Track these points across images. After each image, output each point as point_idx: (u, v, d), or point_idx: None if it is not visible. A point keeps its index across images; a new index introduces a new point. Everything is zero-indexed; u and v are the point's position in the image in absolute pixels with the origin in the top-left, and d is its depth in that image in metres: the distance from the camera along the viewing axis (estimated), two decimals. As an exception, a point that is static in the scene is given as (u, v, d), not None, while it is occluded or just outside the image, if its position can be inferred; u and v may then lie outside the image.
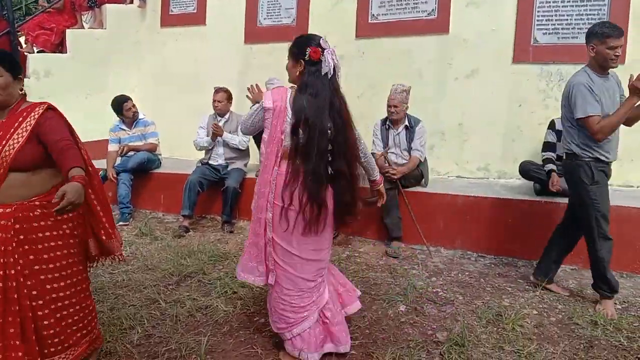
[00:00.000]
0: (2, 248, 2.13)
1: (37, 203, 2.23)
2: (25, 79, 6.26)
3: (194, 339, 2.96)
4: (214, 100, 5.39)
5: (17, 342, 2.14)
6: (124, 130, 5.83)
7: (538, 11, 5.10)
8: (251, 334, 3.06)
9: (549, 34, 5.07)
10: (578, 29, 4.94)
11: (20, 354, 2.14)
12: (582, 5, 4.94)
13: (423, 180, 4.84)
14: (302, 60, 2.44)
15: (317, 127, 2.39)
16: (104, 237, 2.51)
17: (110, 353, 2.80)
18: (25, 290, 2.17)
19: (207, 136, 5.41)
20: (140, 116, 5.93)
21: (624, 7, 4.79)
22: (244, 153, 5.51)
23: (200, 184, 5.24)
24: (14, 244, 2.15)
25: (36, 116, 2.24)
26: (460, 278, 3.98)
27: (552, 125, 4.54)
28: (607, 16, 4.82)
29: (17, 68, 2.31)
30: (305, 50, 2.43)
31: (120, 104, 5.70)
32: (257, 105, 2.58)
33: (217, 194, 5.39)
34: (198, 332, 3.05)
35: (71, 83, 6.53)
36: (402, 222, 4.62)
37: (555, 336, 3.05)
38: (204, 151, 5.56)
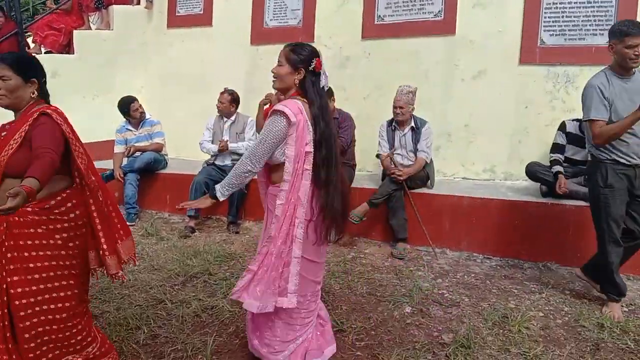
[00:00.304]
0: None
1: (29, 209, 2.13)
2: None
3: (200, 339, 2.97)
4: (218, 101, 5.41)
5: (2, 347, 2.09)
6: (131, 130, 5.86)
7: (545, 12, 5.09)
8: (257, 335, 3.06)
9: (556, 35, 5.06)
10: (585, 30, 4.93)
11: (5, 357, 2.09)
12: (589, 7, 4.92)
13: (429, 181, 4.83)
14: (302, 69, 2.41)
15: (333, 138, 2.47)
16: (101, 253, 2.38)
17: (117, 353, 2.81)
18: (5, 298, 2.10)
19: (213, 141, 5.43)
20: (147, 116, 5.95)
21: (631, 9, 4.77)
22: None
23: (206, 185, 5.25)
24: (3, 249, 2.10)
25: (30, 121, 2.18)
26: (466, 280, 3.97)
27: (562, 127, 4.52)
28: (614, 18, 4.81)
29: (28, 71, 2.27)
30: (311, 60, 2.41)
31: (127, 105, 5.72)
32: (275, 125, 2.34)
33: (223, 194, 5.39)
34: (204, 333, 3.06)
35: (78, 84, 6.56)
36: (407, 223, 4.62)
37: (562, 339, 3.04)
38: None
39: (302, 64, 2.41)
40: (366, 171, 5.79)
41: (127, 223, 5.21)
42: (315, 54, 2.44)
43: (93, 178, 2.33)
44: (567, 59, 5.02)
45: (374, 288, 3.78)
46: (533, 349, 2.87)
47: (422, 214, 4.59)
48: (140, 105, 5.83)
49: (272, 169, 2.49)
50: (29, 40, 7.40)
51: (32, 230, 2.15)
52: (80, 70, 6.63)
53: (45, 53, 7.10)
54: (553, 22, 5.06)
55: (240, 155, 5.39)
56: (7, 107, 2.26)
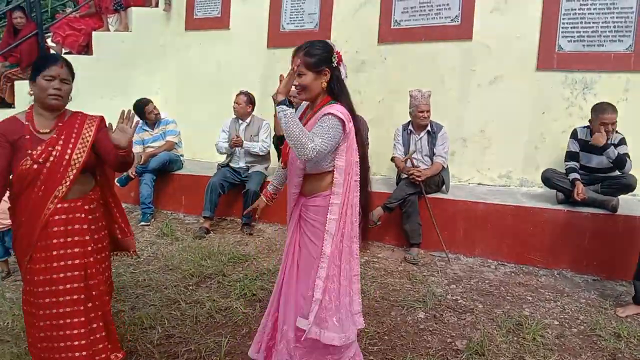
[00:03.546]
0: (81, 239, 2.34)
1: (93, 196, 2.45)
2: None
3: (213, 340, 2.99)
4: (235, 102, 5.43)
5: (101, 324, 2.38)
6: (147, 131, 5.92)
7: (563, 18, 5.05)
8: (270, 337, 3.07)
9: (574, 41, 5.02)
10: (604, 37, 4.88)
11: (104, 334, 2.38)
12: (608, 13, 4.87)
13: (444, 186, 4.81)
14: (327, 69, 2.23)
15: (361, 136, 2.37)
16: (119, 235, 2.69)
17: (131, 352, 2.84)
18: (101, 287, 2.42)
19: (228, 141, 5.45)
20: (163, 116, 6.00)
21: (652, 15, 4.73)
22: (264, 156, 5.55)
23: (221, 186, 5.29)
24: (89, 234, 2.37)
25: (94, 126, 2.42)
26: (480, 286, 3.95)
27: (574, 135, 4.48)
28: (634, 24, 4.76)
29: (74, 76, 2.48)
30: (331, 55, 2.23)
31: (142, 108, 5.78)
32: (336, 130, 2.16)
33: (238, 196, 5.43)
34: (217, 334, 3.08)
35: (96, 85, 6.62)
36: (421, 228, 4.60)
37: (577, 347, 3.01)
38: (224, 154, 5.61)
39: (324, 64, 2.22)
40: (380, 175, 5.78)
41: (143, 223, 5.35)
42: (331, 47, 2.25)
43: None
44: (585, 65, 4.98)
45: (387, 292, 3.77)
46: (548, 358, 2.85)
47: (436, 219, 4.57)
48: (155, 107, 5.88)
49: (310, 179, 2.32)
50: (49, 40, 7.50)
51: (97, 214, 2.47)
52: (98, 71, 6.69)
53: (65, 53, 7.20)
54: (571, 28, 5.02)
55: (254, 155, 5.43)
56: (57, 107, 2.37)
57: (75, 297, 2.28)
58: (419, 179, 4.51)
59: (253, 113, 5.57)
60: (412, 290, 3.82)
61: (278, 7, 6.50)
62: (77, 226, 2.33)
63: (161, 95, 7.14)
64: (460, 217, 4.62)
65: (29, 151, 2.26)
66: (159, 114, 5.92)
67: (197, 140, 6.75)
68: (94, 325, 2.34)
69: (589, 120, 4.29)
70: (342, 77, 2.31)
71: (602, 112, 4.12)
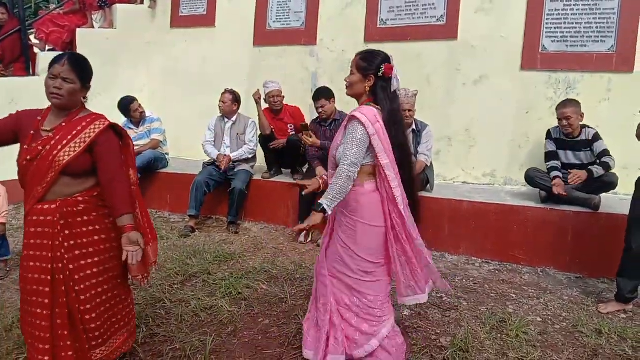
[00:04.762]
0: (50, 243, 2.25)
1: (80, 199, 2.33)
2: (35, 77, 6.33)
3: (198, 339, 2.98)
4: (220, 101, 5.41)
5: (66, 332, 2.26)
6: (132, 129, 5.87)
7: (547, 19, 5.10)
8: (255, 335, 3.07)
9: (558, 41, 5.07)
10: (587, 37, 4.94)
11: (68, 343, 2.26)
12: (591, 14, 4.94)
13: (428, 185, 4.84)
14: (372, 75, 2.48)
15: (407, 141, 2.60)
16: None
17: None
18: (71, 284, 2.29)
19: (214, 142, 5.46)
20: (148, 114, 5.96)
21: (634, 16, 4.79)
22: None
23: (207, 185, 5.27)
24: (60, 239, 2.27)
25: (96, 130, 2.33)
26: (465, 284, 3.98)
27: (549, 135, 4.60)
28: (616, 25, 4.82)
29: (88, 77, 2.41)
30: (380, 66, 2.47)
31: (127, 106, 5.74)
32: (357, 131, 2.41)
33: (224, 195, 5.41)
34: (203, 332, 3.07)
35: (80, 82, 6.56)
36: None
37: (560, 344, 3.05)
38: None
39: (371, 71, 2.48)
40: (366, 174, 5.79)
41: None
42: (384, 59, 2.49)
43: (134, 188, 2.51)
44: (568, 65, 5.04)
45: (373, 290, 3.78)
46: (531, 354, 2.87)
47: (421, 218, 4.59)
48: (140, 105, 5.84)
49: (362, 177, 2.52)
50: (32, 37, 7.42)
51: (85, 217, 2.34)
52: (82, 69, 6.62)
53: (48, 50, 7.12)
54: (555, 28, 5.07)
55: (240, 161, 5.42)
56: (59, 106, 2.34)
57: (39, 299, 2.24)
58: None
59: (239, 111, 5.56)
60: (398, 288, 3.84)
61: (264, 5, 6.49)
62: (47, 229, 2.25)
63: (146, 92, 7.09)
64: (445, 215, 4.65)
65: (25, 146, 2.28)
66: (143, 112, 5.88)
67: (183, 139, 6.72)
68: (59, 332, 2.25)
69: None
70: (392, 89, 2.52)
71: (557, 109, 4.43)
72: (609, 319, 3.35)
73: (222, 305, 3.40)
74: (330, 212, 2.40)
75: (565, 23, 5.04)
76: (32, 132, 2.31)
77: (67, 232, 2.28)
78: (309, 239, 4.88)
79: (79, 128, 2.31)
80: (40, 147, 2.26)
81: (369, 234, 2.52)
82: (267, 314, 3.33)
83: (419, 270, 2.59)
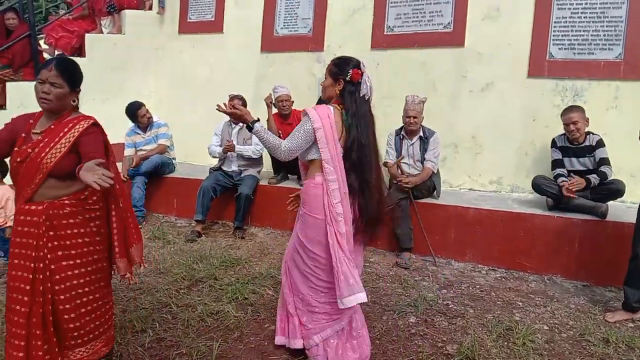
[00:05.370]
0: (34, 243, 2.31)
1: (66, 202, 2.36)
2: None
3: (204, 344, 2.98)
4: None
5: (38, 332, 2.29)
6: (139, 134, 5.91)
7: (554, 26, 5.10)
8: (262, 341, 3.08)
9: (565, 49, 5.07)
10: (595, 45, 4.94)
11: (39, 343, 2.29)
12: (598, 22, 4.94)
13: (435, 191, 4.84)
14: (341, 80, 2.63)
15: (369, 144, 2.66)
16: (113, 255, 2.58)
17: (122, 356, 2.83)
18: (49, 284, 2.32)
19: (221, 145, 5.45)
20: (155, 119, 5.99)
21: (641, 24, 4.79)
22: (257, 160, 5.55)
23: (213, 190, 5.29)
24: (44, 240, 2.31)
25: (80, 129, 2.37)
26: (471, 291, 3.97)
27: (554, 144, 4.61)
28: (624, 33, 4.82)
29: (77, 80, 2.46)
30: (347, 70, 2.61)
31: (134, 111, 5.77)
32: (304, 124, 2.60)
33: (230, 200, 5.43)
34: (209, 337, 3.07)
35: (88, 87, 6.47)
36: (413, 233, 4.62)
37: (567, 352, 3.03)
38: (217, 158, 5.61)
39: (341, 76, 2.64)
40: (372, 180, 5.80)
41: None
42: (355, 65, 2.63)
43: (118, 186, 2.52)
44: (575, 73, 5.03)
45: (379, 297, 3.78)
46: (537, 362, 2.87)
47: (427, 224, 4.60)
48: (148, 111, 5.87)
49: (305, 166, 2.77)
50: (41, 42, 7.47)
51: (71, 220, 2.37)
52: (91, 74, 6.55)
53: (57, 55, 7.17)
54: (562, 36, 5.08)
55: (246, 159, 5.43)
56: (49, 110, 2.39)
57: (19, 296, 2.30)
58: (407, 187, 4.54)
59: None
60: (404, 295, 3.84)
61: (272, 11, 6.53)
62: (32, 229, 2.30)
63: (154, 98, 7.13)
64: (451, 222, 4.65)
65: (16, 148, 2.36)
66: (151, 117, 5.91)
67: (190, 144, 6.75)
68: (33, 331, 2.29)
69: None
70: (361, 93, 2.65)
71: (563, 114, 4.47)
72: (617, 328, 3.34)
73: (228, 311, 3.41)
74: (253, 130, 2.65)
75: (572, 31, 5.04)
76: (23, 135, 2.39)
77: (51, 233, 2.33)
78: None
79: (65, 130, 2.36)
80: (29, 150, 2.33)
81: (314, 226, 2.63)
82: (274, 319, 3.31)
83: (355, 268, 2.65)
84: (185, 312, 3.38)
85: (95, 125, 2.46)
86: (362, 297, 2.55)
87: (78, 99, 2.49)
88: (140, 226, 5.25)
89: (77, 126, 2.38)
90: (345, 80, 2.63)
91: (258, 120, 2.72)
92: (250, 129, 2.68)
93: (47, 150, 2.31)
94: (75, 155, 2.34)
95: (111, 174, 2.03)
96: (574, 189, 4.19)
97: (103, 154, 2.42)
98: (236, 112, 2.74)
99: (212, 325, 3.25)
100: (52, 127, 2.37)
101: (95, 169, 2.06)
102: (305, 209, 2.67)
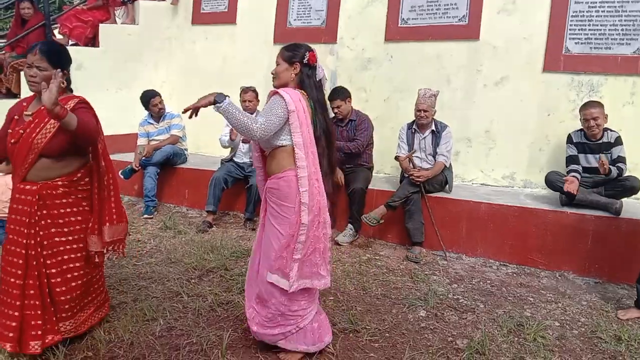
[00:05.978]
0: (27, 220, 2.47)
1: (59, 183, 2.52)
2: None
3: (215, 334, 2.99)
4: (244, 100, 5.39)
5: (37, 302, 2.48)
6: (152, 124, 5.93)
7: (571, 20, 5.03)
8: (271, 332, 3.08)
9: (582, 43, 5.01)
10: (612, 39, 4.87)
11: (39, 312, 2.47)
12: (616, 16, 4.86)
13: (447, 186, 4.82)
14: (297, 63, 2.59)
15: (330, 127, 2.70)
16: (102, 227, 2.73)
17: (133, 344, 2.85)
18: (42, 260, 2.50)
19: (231, 137, 5.46)
20: (167, 110, 6.01)
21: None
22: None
23: (225, 181, 5.30)
24: (36, 217, 2.47)
25: (68, 108, 2.39)
26: (482, 286, 3.95)
27: (569, 140, 4.56)
28: (642, 27, 4.75)
29: (62, 62, 2.54)
30: (303, 53, 2.59)
31: (148, 99, 5.78)
32: (277, 103, 2.47)
33: (241, 191, 5.44)
34: (219, 327, 3.09)
35: (102, 77, 6.65)
36: (424, 227, 4.61)
37: (578, 349, 3.01)
38: (228, 149, 5.62)
39: (296, 59, 2.59)
40: (384, 173, 5.79)
41: (146, 215, 5.35)
42: (308, 48, 2.62)
43: (103, 163, 2.65)
44: (592, 68, 4.97)
45: (389, 290, 3.78)
46: (548, 359, 2.85)
47: (439, 218, 4.58)
48: (161, 102, 5.88)
49: (269, 158, 2.62)
50: (56, 31, 7.51)
51: (64, 200, 2.54)
52: (104, 64, 6.71)
53: (71, 45, 7.20)
54: (579, 30, 5.00)
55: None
56: (37, 92, 2.51)
57: (13, 270, 2.46)
58: (419, 180, 4.52)
59: (257, 108, 5.58)
60: (414, 289, 3.83)
61: (285, 3, 6.51)
62: (26, 207, 2.46)
63: (166, 88, 7.15)
64: (463, 216, 4.62)
65: (10, 130, 2.49)
66: (163, 108, 5.92)
67: (202, 135, 6.76)
68: (31, 302, 2.45)
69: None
70: (317, 77, 2.64)
71: (583, 109, 4.41)
72: (629, 326, 3.30)
73: (238, 301, 3.42)
74: (221, 107, 2.41)
75: (589, 25, 4.97)
76: (16, 117, 2.52)
77: (44, 211, 2.48)
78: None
79: None
80: (21, 131, 2.45)
81: (286, 213, 2.55)
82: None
83: (323, 256, 2.63)
84: (196, 302, 3.40)
85: (83, 102, 2.55)
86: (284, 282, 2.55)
87: (67, 81, 2.60)
88: (151, 216, 5.38)
89: (66, 105, 2.40)
90: (302, 64, 2.59)
91: (228, 96, 2.45)
92: (217, 105, 2.42)
93: (37, 130, 2.42)
94: (66, 135, 2.41)
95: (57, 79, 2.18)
96: (600, 168, 4.13)
97: (94, 122, 2.52)
98: (199, 104, 2.51)
99: (223, 315, 3.26)
100: (42, 108, 2.43)
101: (50, 88, 2.16)
102: (279, 199, 2.55)
